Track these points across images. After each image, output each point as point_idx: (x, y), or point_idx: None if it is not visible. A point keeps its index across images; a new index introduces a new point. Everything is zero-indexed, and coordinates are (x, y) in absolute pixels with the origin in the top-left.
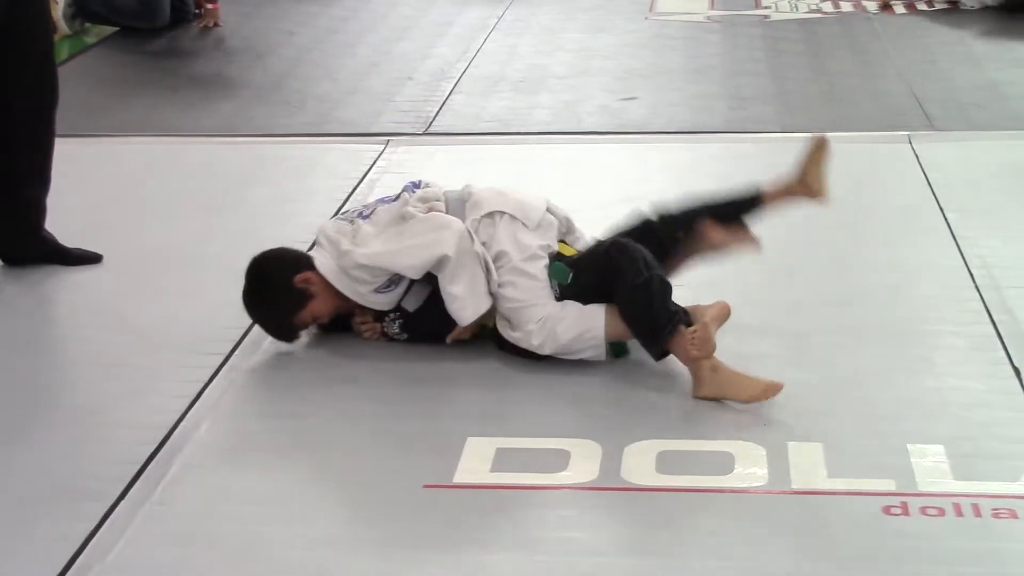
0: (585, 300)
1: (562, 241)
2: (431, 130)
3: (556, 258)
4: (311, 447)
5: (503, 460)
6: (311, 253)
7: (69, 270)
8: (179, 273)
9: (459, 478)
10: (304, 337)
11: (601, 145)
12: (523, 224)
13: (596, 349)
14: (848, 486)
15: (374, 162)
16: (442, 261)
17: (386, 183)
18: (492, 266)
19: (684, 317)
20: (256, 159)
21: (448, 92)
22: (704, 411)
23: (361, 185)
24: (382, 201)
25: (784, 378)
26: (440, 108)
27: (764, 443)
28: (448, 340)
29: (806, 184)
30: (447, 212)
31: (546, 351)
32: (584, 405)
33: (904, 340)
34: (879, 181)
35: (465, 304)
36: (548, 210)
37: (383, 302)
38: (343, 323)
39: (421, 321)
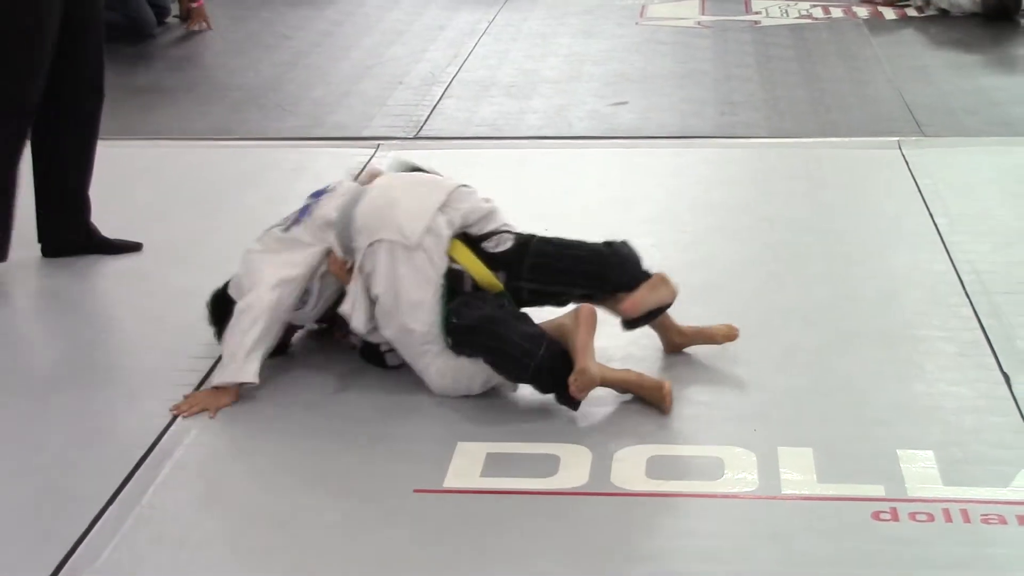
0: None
1: (464, 235)
2: (422, 134)
3: (449, 280)
4: (301, 452)
5: (493, 465)
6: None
7: (63, 271)
8: (169, 276)
9: (449, 482)
10: (294, 341)
11: (591, 150)
12: (403, 246)
13: (477, 384)
14: (838, 491)
15: (365, 166)
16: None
17: None
18: (377, 318)
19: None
20: (249, 162)
21: (439, 96)
22: (694, 416)
23: None
24: (303, 212)
25: (775, 383)
26: (431, 112)
27: (754, 448)
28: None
29: (677, 344)
30: (335, 238)
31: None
32: (575, 411)
33: (894, 346)
34: (869, 187)
35: (225, 365)
36: (444, 206)
37: (298, 317)
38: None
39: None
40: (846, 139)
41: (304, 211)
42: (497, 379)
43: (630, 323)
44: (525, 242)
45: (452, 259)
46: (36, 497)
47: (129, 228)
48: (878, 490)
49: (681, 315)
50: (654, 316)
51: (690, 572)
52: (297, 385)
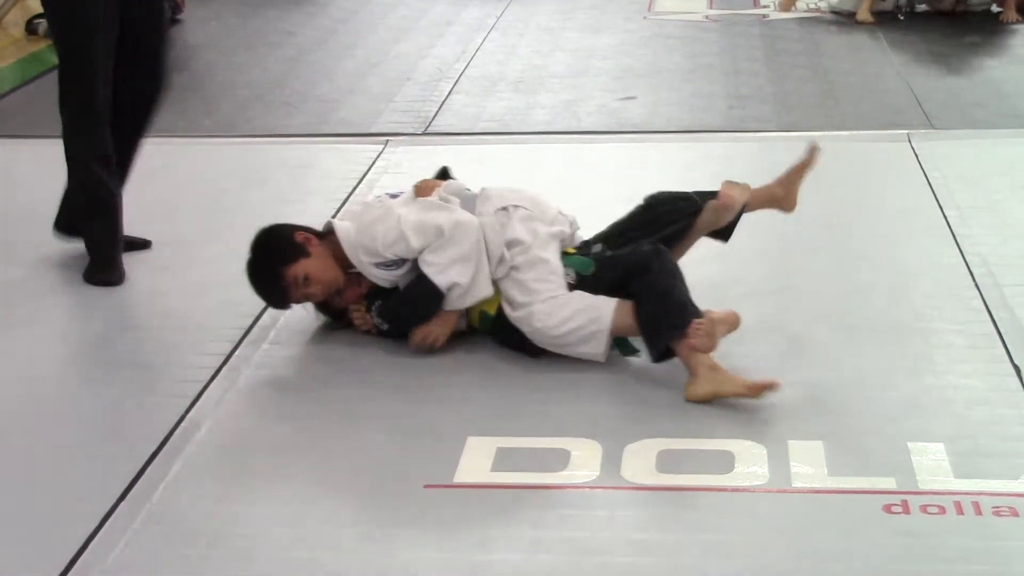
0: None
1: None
2: (430, 130)
3: (580, 250)
4: (311, 448)
5: (504, 459)
6: (334, 220)
7: (72, 266)
8: (178, 274)
9: (460, 478)
10: (304, 336)
11: (600, 145)
12: (538, 219)
13: (597, 344)
14: (849, 484)
15: (373, 162)
16: (455, 235)
17: (385, 183)
18: (506, 254)
19: (697, 314)
20: (255, 160)
21: (447, 92)
22: (704, 410)
23: (360, 186)
24: (394, 195)
25: (784, 377)
26: (439, 108)
27: (765, 442)
28: (411, 346)
29: (788, 193)
30: (459, 203)
31: (543, 339)
32: (584, 404)
33: (904, 338)
34: (879, 180)
35: (464, 289)
36: (553, 221)
37: (380, 276)
38: (344, 316)
39: (400, 306)
40: (855, 132)
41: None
42: (591, 331)
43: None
44: (586, 242)
45: None
46: (46, 495)
47: (138, 225)
48: (889, 483)
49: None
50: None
51: (701, 566)
52: (307, 380)
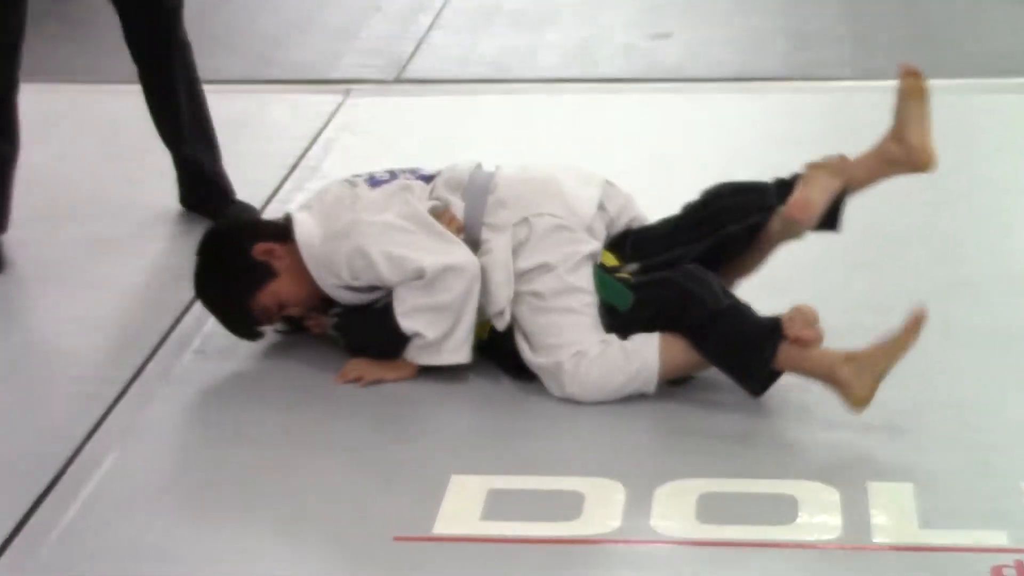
0: (641, 330)
1: (609, 248)
2: (405, 76)
3: (609, 272)
4: (250, 486)
5: (497, 504)
6: (294, 214)
7: None
8: (81, 258)
9: (440, 528)
10: (240, 343)
11: (623, 96)
12: (569, 229)
13: (646, 386)
14: (947, 540)
15: (331, 117)
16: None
17: (347, 144)
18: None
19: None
20: None
21: (427, 27)
22: (757, 442)
23: (314, 147)
24: (392, 174)
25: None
26: (416, 48)
27: (837, 483)
28: (344, 375)
29: (907, 146)
30: (464, 207)
31: (575, 396)
32: (602, 433)
33: (1019, 348)
34: (992, 143)
35: (428, 345)
36: (600, 200)
37: (349, 300)
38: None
39: (359, 328)
40: (957, 81)
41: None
42: (637, 383)
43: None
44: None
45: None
46: None
47: (27, 194)
48: (999, 538)
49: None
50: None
51: None
52: (247, 399)
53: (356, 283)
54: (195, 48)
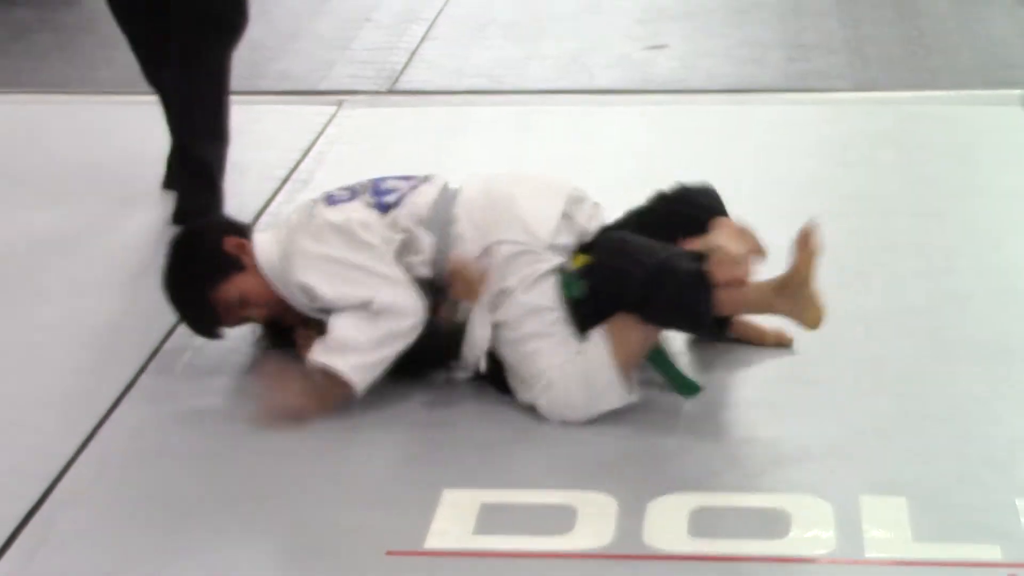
0: (611, 313)
1: (583, 250)
2: (397, 87)
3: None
4: (238, 500)
5: (489, 519)
6: (255, 236)
7: None
8: (66, 270)
9: (432, 542)
10: (238, 349)
11: (618, 107)
12: (529, 251)
13: (614, 395)
14: (940, 554)
15: (323, 129)
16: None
17: (340, 156)
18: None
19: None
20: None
21: (420, 38)
22: (752, 455)
23: (306, 159)
24: (353, 192)
25: (857, 411)
26: (409, 59)
27: (830, 497)
28: (258, 420)
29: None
30: (425, 245)
31: (558, 419)
32: (594, 447)
33: (1013, 362)
34: (984, 155)
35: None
36: (565, 210)
37: (314, 311)
38: (289, 335)
39: None
40: (952, 92)
41: (389, 193)
42: (601, 387)
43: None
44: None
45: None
46: None
47: (11, 207)
48: (992, 552)
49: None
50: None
51: None
52: (237, 413)
53: (314, 304)
54: None
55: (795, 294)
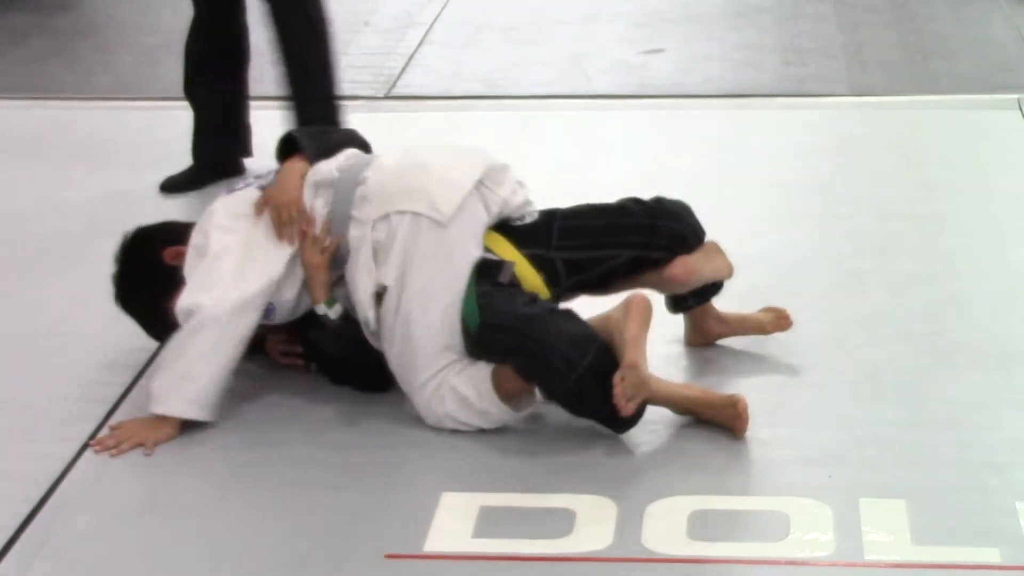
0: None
1: (500, 228)
2: (395, 92)
3: (477, 272)
4: (236, 505)
5: (489, 522)
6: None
7: None
8: (67, 277)
9: (432, 545)
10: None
11: (616, 112)
12: (433, 221)
13: (493, 414)
14: (939, 557)
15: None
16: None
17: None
18: (370, 317)
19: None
20: (165, 129)
21: (417, 43)
22: (751, 459)
23: None
24: (258, 177)
25: (856, 414)
26: (406, 64)
27: (829, 500)
28: (95, 447)
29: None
30: (332, 203)
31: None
32: (593, 450)
33: (1012, 366)
34: (982, 159)
35: (171, 390)
36: (480, 184)
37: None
38: (260, 345)
39: (334, 366)
40: (950, 97)
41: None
42: (516, 412)
43: (678, 302)
44: (552, 212)
45: (488, 249)
46: None
47: (9, 213)
48: (991, 555)
49: None
50: (705, 297)
51: None
52: (235, 419)
53: None
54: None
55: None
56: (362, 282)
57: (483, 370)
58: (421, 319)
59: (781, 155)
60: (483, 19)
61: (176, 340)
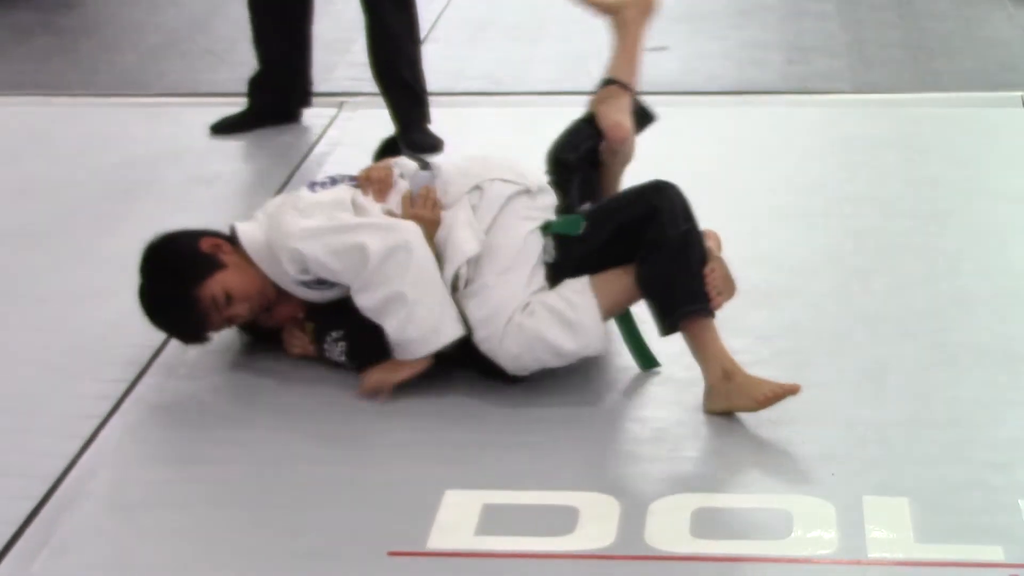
0: (587, 265)
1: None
2: None
3: (563, 210)
4: (240, 502)
5: (492, 519)
6: (236, 224)
7: None
8: (69, 274)
9: (435, 543)
10: (239, 350)
11: None
12: (524, 189)
13: (595, 335)
14: (942, 555)
15: (324, 131)
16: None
17: (341, 158)
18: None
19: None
20: (169, 126)
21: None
22: (754, 457)
23: (307, 160)
24: (333, 180)
25: (859, 412)
26: None
27: (833, 498)
28: (362, 391)
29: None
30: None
31: (521, 365)
32: (596, 447)
33: (1017, 364)
34: (984, 158)
35: (418, 331)
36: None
37: (312, 296)
38: (274, 334)
39: (374, 346)
40: (954, 95)
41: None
42: (581, 331)
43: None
44: None
45: None
46: None
47: (13, 210)
48: (995, 553)
49: (739, 324)
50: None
51: None
52: (236, 415)
53: (305, 277)
54: (188, 61)
55: (737, 395)
56: (464, 238)
57: (577, 281)
58: (513, 259)
59: (784, 153)
60: (486, 17)
61: (398, 278)
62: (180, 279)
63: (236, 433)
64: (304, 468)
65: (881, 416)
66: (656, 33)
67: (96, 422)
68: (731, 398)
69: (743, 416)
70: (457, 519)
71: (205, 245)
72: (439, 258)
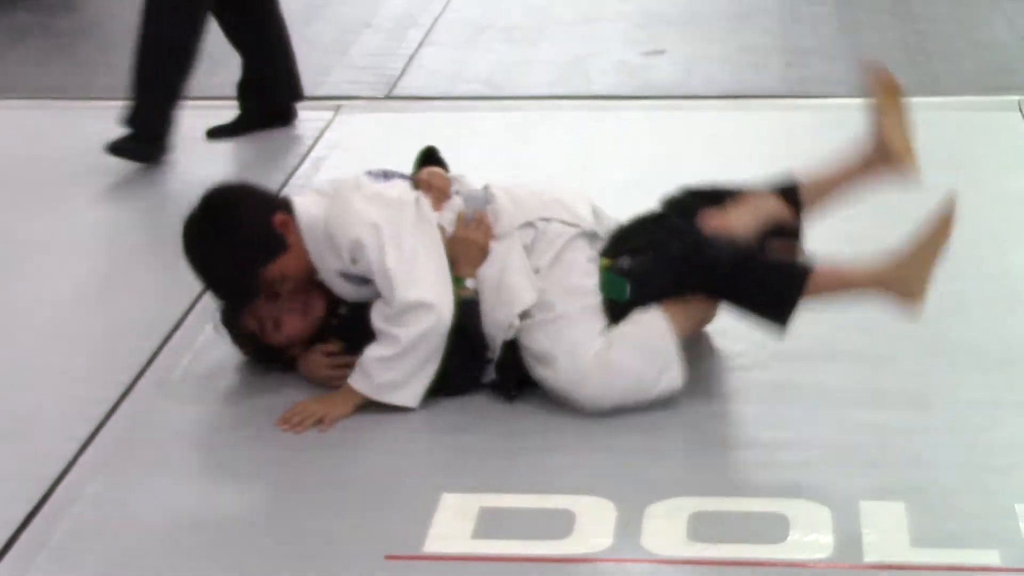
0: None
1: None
2: (395, 93)
3: (605, 269)
4: (237, 505)
5: (488, 523)
6: (293, 198)
7: None
8: (66, 276)
9: (431, 546)
10: (236, 354)
11: (618, 112)
12: (582, 232)
13: (669, 370)
14: (938, 559)
15: (321, 134)
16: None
17: (337, 162)
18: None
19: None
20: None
21: (417, 43)
22: (750, 460)
23: (304, 164)
24: (386, 174)
25: (856, 415)
26: (407, 64)
27: (828, 502)
28: (296, 420)
29: (886, 150)
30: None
31: (606, 400)
32: (593, 451)
33: (1014, 368)
34: (983, 160)
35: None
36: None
37: (348, 292)
38: (280, 357)
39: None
40: (952, 98)
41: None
42: (659, 358)
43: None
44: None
45: None
46: None
47: (13, 213)
48: (991, 557)
49: (737, 327)
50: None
51: None
52: (232, 419)
53: (354, 269)
54: None
55: (915, 263)
56: (522, 285)
57: (647, 312)
58: (576, 305)
59: (782, 157)
60: (484, 20)
61: (404, 332)
62: (248, 257)
63: (233, 437)
64: (301, 472)
65: (877, 419)
66: (654, 36)
67: (93, 425)
68: (912, 270)
69: (739, 420)
70: (454, 523)
71: (278, 223)
72: (482, 294)
